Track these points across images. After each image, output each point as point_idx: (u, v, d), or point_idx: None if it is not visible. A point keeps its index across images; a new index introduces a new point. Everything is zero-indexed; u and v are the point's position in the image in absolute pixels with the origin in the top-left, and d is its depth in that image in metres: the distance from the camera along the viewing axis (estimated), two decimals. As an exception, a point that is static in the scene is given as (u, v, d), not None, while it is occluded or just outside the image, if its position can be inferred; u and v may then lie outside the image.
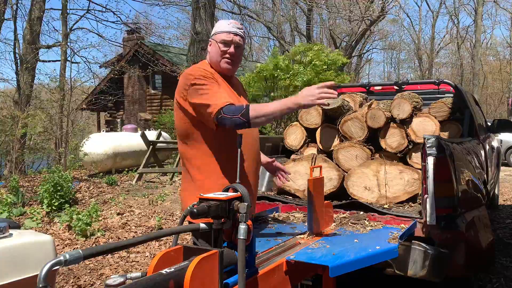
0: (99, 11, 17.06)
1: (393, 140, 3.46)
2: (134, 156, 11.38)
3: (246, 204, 1.46)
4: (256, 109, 1.88)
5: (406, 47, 37.63)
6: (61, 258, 1.10)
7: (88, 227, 5.09)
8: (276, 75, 11.79)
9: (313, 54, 12.11)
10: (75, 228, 5.09)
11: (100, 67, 17.36)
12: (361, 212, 2.71)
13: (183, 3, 15.68)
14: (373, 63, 39.76)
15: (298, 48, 12.98)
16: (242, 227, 1.43)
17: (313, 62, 11.94)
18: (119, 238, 5.18)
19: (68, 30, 13.88)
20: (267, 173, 3.64)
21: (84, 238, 5.01)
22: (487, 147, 4.24)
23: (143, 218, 6.11)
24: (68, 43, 13.58)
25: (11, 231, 2.17)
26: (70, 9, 14.34)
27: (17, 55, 12.58)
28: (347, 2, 18.22)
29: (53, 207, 6.31)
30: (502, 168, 7.43)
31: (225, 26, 2.14)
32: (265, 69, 11.84)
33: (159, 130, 12.72)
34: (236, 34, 2.12)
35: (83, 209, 5.84)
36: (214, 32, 2.16)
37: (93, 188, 8.77)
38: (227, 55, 2.10)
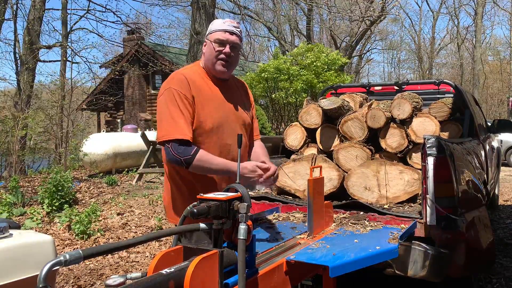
0: (99, 11, 17.12)
1: (393, 140, 3.46)
2: (134, 156, 11.38)
3: (246, 204, 1.46)
4: (202, 161, 1.89)
5: (407, 47, 37.69)
6: (61, 258, 1.10)
7: (87, 228, 5.09)
8: (276, 76, 11.80)
9: (313, 56, 12.11)
10: (75, 229, 5.09)
11: (101, 67, 17.38)
12: (361, 212, 2.70)
13: (183, 3, 15.69)
14: (373, 63, 39.77)
15: (299, 50, 12.99)
16: (242, 227, 1.43)
17: (314, 63, 11.95)
18: (119, 238, 5.18)
19: (68, 30, 13.89)
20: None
21: (84, 239, 5.01)
22: (487, 147, 4.24)
23: (143, 218, 6.11)
24: (68, 43, 13.59)
25: (11, 231, 2.17)
26: (70, 9, 14.34)
27: (17, 55, 12.60)
28: (348, 2, 18.23)
29: (54, 207, 6.31)
30: (502, 168, 7.43)
31: (220, 24, 2.03)
32: (266, 70, 11.84)
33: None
34: (232, 33, 2.01)
35: (83, 209, 5.84)
36: (209, 31, 2.05)
37: (93, 188, 8.77)
38: (222, 56, 2.00)
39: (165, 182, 2.19)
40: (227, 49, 2.01)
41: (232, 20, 2.10)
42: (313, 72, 11.96)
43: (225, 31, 2.01)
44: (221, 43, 2.00)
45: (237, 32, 2.04)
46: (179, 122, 1.92)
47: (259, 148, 2.30)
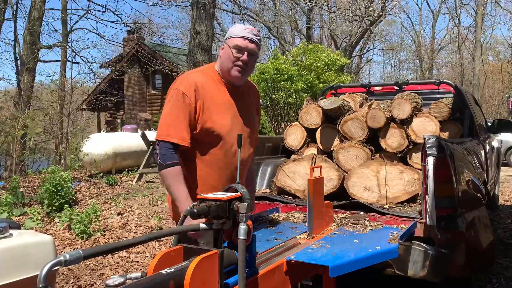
0: (99, 11, 17.08)
1: (393, 140, 3.46)
2: (134, 156, 11.37)
3: (246, 204, 1.46)
4: (167, 177, 1.92)
5: (407, 47, 37.70)
6: (61, 258, 1.10)
7: (88, 228, 5.09)
8: (276, 77, 11.80)
9: (313, 56, 12.08)
10: (75, 229, 5.09)
11: (101, 67, 17.37)
12: (361, 212, 2.71)
13: (183, 2, 15.69)
14: (373, 63, 39.80)
15: (298, 50, 12.98)
16: (242, 227, 1.43)
17: (314, 64, 11.94)
18: (119, 238, 5.18)
19: (68, 30, 13.90)
20: (267, 173, 3.64)
21: (84, 239, 5.01)
22: (487, 147, 4.24)
23: (143, 218, 6.11)
24: (68, 43, 13.60)
25: (11, 231, 2.17)
26: (70, 9, 14.35)
27: (17, 56, 12.59)
28: (348, 2, 18.22)
29: (53, 207, 6.30)
30: (502, 168, 7.42)
31: (240, 30, 2.00)
32: (266, 71, 11.84)
33: (159, 130, 12.69)
34: (251, 41, 1.98)
35: (83, 210, 5.84)
36: (229, 35, 2.03)
37: (93, 188, 8.77)
38: (239, 63, 1.98)
39: None
40: (245, 56, 1.98)
41: (254, 28, 2.06)
42: (313, 72, 11.96)
43: (245, 38, 1.98)
44: (240, 50, 1.98)
45: (257, 40, 2.02)
46: (178, 126, 1.95)
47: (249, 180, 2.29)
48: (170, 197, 1.98)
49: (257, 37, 2.01)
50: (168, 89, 2.06)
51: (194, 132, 2.00)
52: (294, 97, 11.96)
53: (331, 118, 3.73)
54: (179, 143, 1.94)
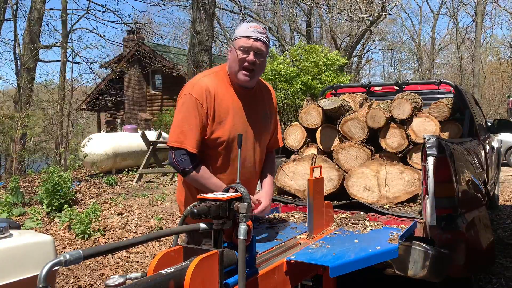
0: (99, 11, 17.13)
1: (393, 140, 3.46)
2: (134, 156, 11.38)
3: (246, 204, 1.46)
4: (199, 177, 1.92)
5: (407, 47, 37.68)
6: (61, 258, 1.10)
7: (88, 228, 5.09)
8: (274, 78, 11.80)
9: (311, 57, 12.05)
10: (75, 229, 5.09)
11: (100, 67, 17.39)
12: (361, 212, 2.71)
13: (183, 2, 15.68)
14: (373, 63, 39.77)
15: (296, 50, 12.99)
16: (242, 227, 1.43)
17: (311, 66, 11.94)
18: (119, 238, 5.18)
19: (68, 30, 13.90)
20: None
21: (84, 239, 5.01)
22: (487, 147, 4.24)
23: (143, 218, 6.11)
24: (69, 43, 13.60)
25: (11, 231, 2.17)
26: (70, 9, 14.35)
27: (17, 55, 12.59)
28: (347, 2, 18.22)
29: (53, 207, 6.31)
30: (502, 168, 7.43)
31: (244, 30, 1.96)
32: (264, 72, 11.84)
33: (159, 130, 12.73)
34: (256, 40, 1.93)
35: (83, 210, 5.84)
36: (234, 37, 1.99)
37: (93, 188, 8.77)
38: (246, 64, 1.93)
39: (177, 181, 2.27)
40: (251, 56, 1.93)
41: (258, 25, 2.01)
42: (311, 73, 11.96)
43: (249, 37, 1.93)
44: (245, 50, 1.93)
45: (262, 38, 1.95)
46: (190, 133, 1.93)
47: (267, 174, 2.24)
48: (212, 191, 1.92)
49: (262, 35, 1.96)
50: (179, 94, 2.03)
51: (205, 137, 1.97)
52: (293, 97, 11.97)
53: (331, 118, 3.73)
54: (191, 151, 1.93)
